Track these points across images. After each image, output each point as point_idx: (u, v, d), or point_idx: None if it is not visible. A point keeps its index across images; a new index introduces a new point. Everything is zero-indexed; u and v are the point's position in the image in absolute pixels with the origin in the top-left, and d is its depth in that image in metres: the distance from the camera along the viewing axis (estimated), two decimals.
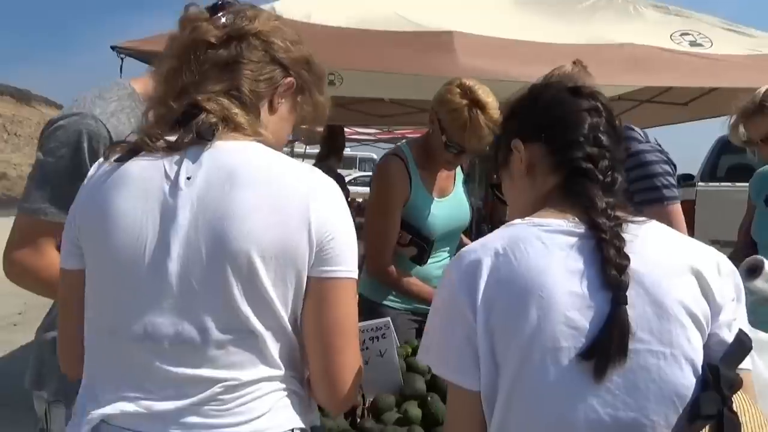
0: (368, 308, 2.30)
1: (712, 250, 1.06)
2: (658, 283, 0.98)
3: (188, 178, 1.05)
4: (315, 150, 5.95)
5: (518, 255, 0.99)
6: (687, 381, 0.97)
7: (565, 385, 0.95)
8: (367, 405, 1.76)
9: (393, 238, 2.29)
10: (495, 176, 1.26)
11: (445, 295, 1.04)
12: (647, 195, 2.23)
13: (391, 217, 2.28)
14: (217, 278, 1.02)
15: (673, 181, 2.27)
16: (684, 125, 6.13)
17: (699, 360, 0.98)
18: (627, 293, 0.96)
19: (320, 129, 5.07)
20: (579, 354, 0.95)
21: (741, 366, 1.01)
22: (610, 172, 1.07)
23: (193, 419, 1.04)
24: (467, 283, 1.00)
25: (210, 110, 1.09)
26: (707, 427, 0.94)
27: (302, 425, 1.12)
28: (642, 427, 0.96)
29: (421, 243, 2.28)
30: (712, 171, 5.97)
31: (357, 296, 1.14)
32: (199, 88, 1.10)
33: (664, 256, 1.01)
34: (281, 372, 1.09)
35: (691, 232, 5.80)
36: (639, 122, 5.87)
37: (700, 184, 5.86)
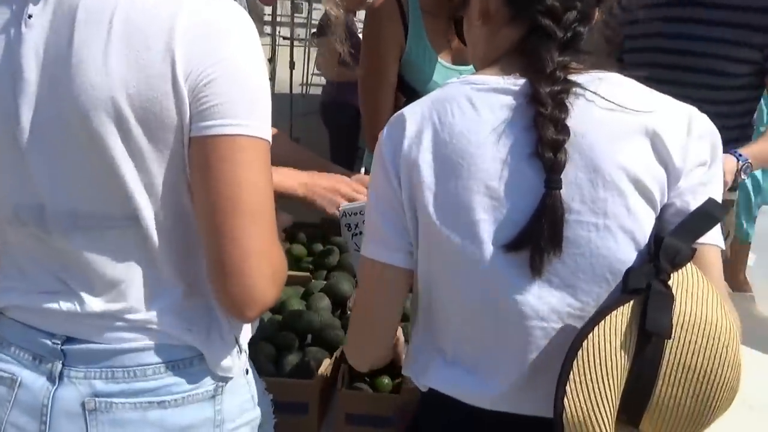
0: None
1: (686, 108, 0.90)
2: (596, 145, 0.86)
3: (30, 17, 0.83)
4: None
5: (443, 118, 0.90)
6: (623, 255, 0.85)
7: (484, 265, 0.86)
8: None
9: (386, 97, 1.84)
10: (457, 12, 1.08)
11: (374, 162, 0.96)
12: None
13: (380, 69, 1.81)
14: (81, 149, 0.83)
15: None
16: None
17: (642, 231, 0.86)
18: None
19: None
20: (507, 245, 0.86)
21: (705, 240, 0.86)
22: (574, 26, 0.90)
23: (80, 321, 0.89)
24: (390, 150, 0.92)
25: None
26: (632, 303, 0.80)
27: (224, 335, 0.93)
28: (570, 308, 0.86)
29: None
30: None
31: (264, 161, 0.87)
32: None
33: (614, 116, 0.87)
34: (172, 266, 0.90)
35: None
36: None
37: None
